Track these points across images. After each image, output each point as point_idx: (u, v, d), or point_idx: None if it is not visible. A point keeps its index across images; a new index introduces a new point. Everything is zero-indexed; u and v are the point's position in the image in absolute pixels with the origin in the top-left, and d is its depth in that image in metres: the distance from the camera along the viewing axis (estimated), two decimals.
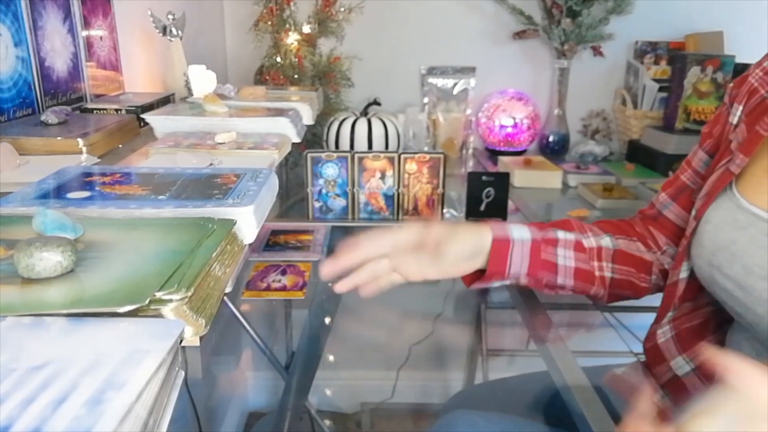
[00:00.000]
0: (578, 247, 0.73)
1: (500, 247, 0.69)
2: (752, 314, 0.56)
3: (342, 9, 1.57)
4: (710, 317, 0.69)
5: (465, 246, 0.67)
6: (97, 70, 1.02)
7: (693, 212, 0.67)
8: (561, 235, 0.73)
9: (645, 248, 0.76)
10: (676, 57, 1.57)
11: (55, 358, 0.29)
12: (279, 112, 0.90)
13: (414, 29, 1.70)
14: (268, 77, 1.53)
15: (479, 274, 0.72)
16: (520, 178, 1.39)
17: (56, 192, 0.53)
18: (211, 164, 0.66)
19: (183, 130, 0.84)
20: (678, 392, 0.68)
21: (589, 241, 0.74)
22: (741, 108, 0.66)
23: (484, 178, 1.11)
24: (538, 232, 0.72)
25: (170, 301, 0.35)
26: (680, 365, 0.69)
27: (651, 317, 0.75)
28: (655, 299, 0.76)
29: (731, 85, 0.70)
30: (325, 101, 1.52)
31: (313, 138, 1.51)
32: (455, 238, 0.67)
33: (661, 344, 0.72)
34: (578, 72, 1.68)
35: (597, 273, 0.73)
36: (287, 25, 1.54)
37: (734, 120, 0.66)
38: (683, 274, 0.68)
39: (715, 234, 0.61)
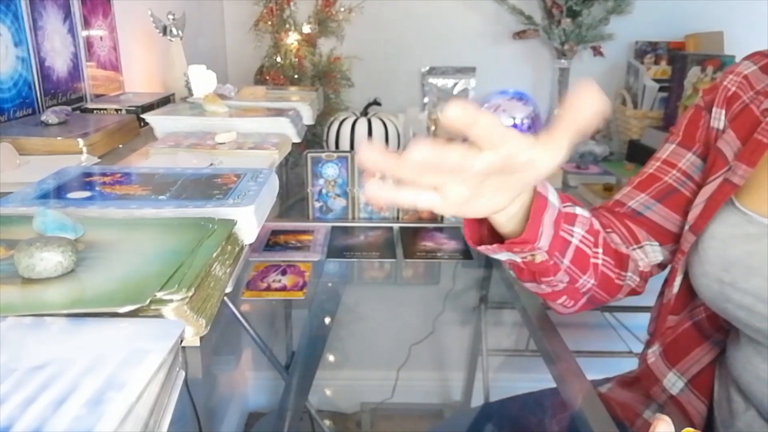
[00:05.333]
0: (591, 229, 0.62)
1: (539, 207, 0.51)
2: None
3: (342, 9, 1.57)
4: (696, 327, 0.67)
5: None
6: (97, 70, 1.02)
7: (687, 226, 0.63)
8: (579, 210, 0.62)
9: (619, 240, 0.68)
10: (676, 57, 1.57)
11: (56, 358, 0.29)
12: (279, 112, 0.90)
13: (414, 29, 1.69)
14: (268, 77, 1.53)
15: (490, 237, 0.56)
16: None
17: (56, 192, 0.53)
18: (211, 164, 0.66)
19: (183, 130, 0.84)
20: (677, 414, 0.67)
21: (595, 223, 0.64)
22: (723, 112, 0.64)
23: None
24: (559, 201, 0.57)
25: (171, 301, 0.35)
26: (673, 382, 0.68)
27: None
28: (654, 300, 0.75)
29: (700, 94, 0.68)
30: (325, 101, 1.52)
31: (313, 138, 1.50)
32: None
33: (651, 364, 0.70)
34: (578, 72, 1.68)
35: (592, 260, 0.62)
36: (287, 25, 1.54)
37: (720, 125, 0.64)
38: (675, 289, 0.66)
39: (724, 250, 0.58)
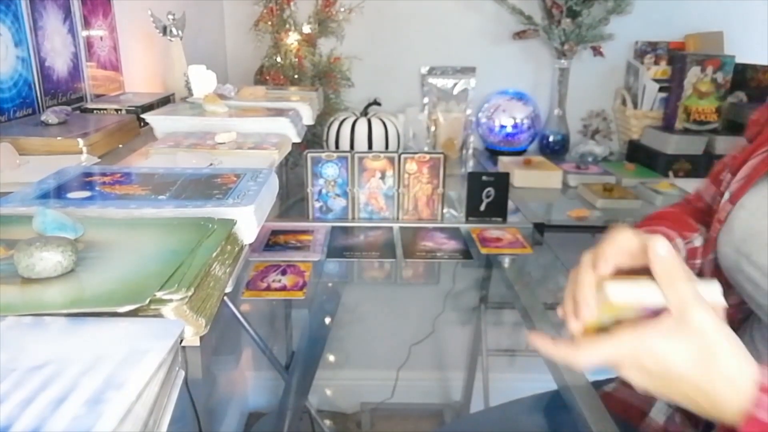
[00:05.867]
0: (691, 253, 0.68)
1: None
2: None
3: (342, 9, 1.57)
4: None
5: None
6: (97, 70, 1.02)
7: (727, 195, 0.63)
8: (698, 243, 0.67)
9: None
10: (676, 57, 1.57)
11: (55, 358, 0.29)
12: (279, 112, 0.90)
13: (414, 29, 1.70)
14: (268, 77, 1.53)
15: None
16: (520, 178, 1.39)
17: (56, 192, 0.53)
18: (211, 164, 0.66)
19: (183, 130, 0.84)
20: (679, 414, 0.67)
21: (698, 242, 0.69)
22: None
23: (484, 178, 1.11)
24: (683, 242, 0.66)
25: (170, 300, 0.35)
26: None
27: None
28: None
29: None
30: (325, 101, 1.52)
31: (313, 138, 1.51)
32: None
33: None
34: (578, 72, 1.68)
35: None
36: (287, 25, 1.54)
37: None
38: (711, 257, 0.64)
39: (748, 221, 0.58)
